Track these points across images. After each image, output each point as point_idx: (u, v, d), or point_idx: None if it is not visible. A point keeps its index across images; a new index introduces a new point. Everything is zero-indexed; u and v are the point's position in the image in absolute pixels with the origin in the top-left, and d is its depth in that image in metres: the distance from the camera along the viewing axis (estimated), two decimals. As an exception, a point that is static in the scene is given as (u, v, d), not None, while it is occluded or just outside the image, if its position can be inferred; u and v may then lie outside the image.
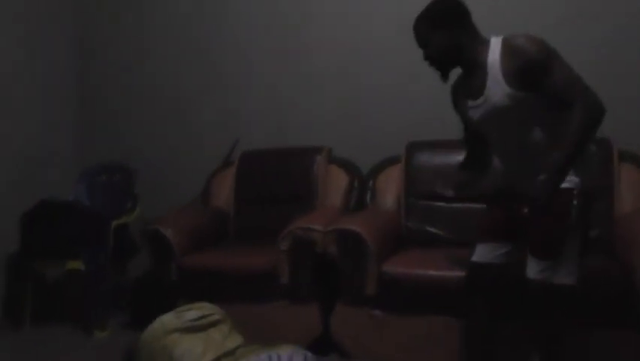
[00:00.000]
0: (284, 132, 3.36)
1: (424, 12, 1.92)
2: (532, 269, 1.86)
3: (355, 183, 3.09)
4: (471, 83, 1.92)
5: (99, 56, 3.84)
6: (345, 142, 3.22)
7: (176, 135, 3.66)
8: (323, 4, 3.31)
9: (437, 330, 2.33)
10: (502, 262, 1.98)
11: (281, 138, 3.33)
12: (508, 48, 1.79)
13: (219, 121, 3.56)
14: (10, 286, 3.14)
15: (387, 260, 2.49)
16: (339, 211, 2.93)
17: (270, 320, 2.56)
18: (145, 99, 3.73)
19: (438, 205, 2.86)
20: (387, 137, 3.13)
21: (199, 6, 3.56)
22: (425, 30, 1.90)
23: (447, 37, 1.87)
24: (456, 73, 2.00)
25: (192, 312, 2.02)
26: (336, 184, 3.10)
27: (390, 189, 2.97)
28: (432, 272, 2.38)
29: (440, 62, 1.92)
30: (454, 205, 2.83)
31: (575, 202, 1.80)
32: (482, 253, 2.02)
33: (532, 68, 1.74)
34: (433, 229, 2.82)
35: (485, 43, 1.85)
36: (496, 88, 1.82)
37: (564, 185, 1.79)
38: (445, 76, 1.94)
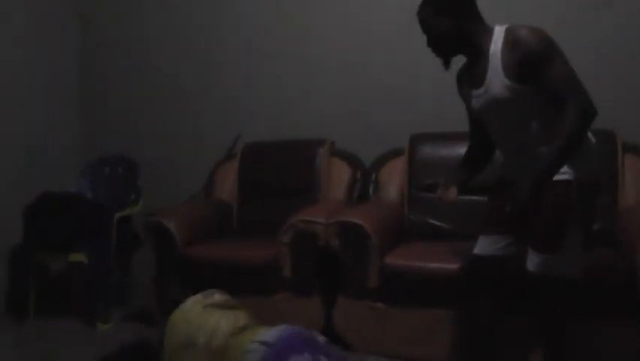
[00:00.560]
0: (286, 125, 3.35)
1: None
2: (532, 262, 1.85)
3: (358, 176, 3.08)
4: (473, 72, 1.91)
5: (102, 49, 3.84)
6: (347, 135, 3.21)
7: (179, 128, 3.66)
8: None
9: (439, 323, 2.34)
10: (504, 255, 1.97)
11: (283, 131, 3.32)
12: (510, 39, 1.77)
13: (222, 114, 3.55)
14: (13, 278, 3.14)
15: (390, 253, 2.49)
16: (342, 204, 2.92)
17: (272, 313, 2.56)
18: (148, 92, 3.73)
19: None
20: (390, 129, 3.12)
21: (200, 0, 3.55)
22: (428, 16, 1.89)
23: (450, 24, 1.85)
24: (459, 61, 1.98)
25: (217, 295, 2.05)
26: (338, 177, 3.09)
27: (392, 181, 2.96)
28: (434, 265, 2.37)
29: (443, 49, 1.90)
30: (457, 198, 2.81)
31: (570, 194, 1.78)
32: (484, 245, 2.01)
33: (532, 60, 1.73)
34: (435, 222, 2.81)
35: (489, 32, 1.84)
36: (496, 79, 1.81)
37: (560, 177, 1.78)
38: (447, 64, 1.93)
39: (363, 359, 2.39)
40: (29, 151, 3.48)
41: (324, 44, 3.29)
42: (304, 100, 3.36)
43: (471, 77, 1.93)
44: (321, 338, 1.84)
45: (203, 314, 1.93)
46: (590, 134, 1.88)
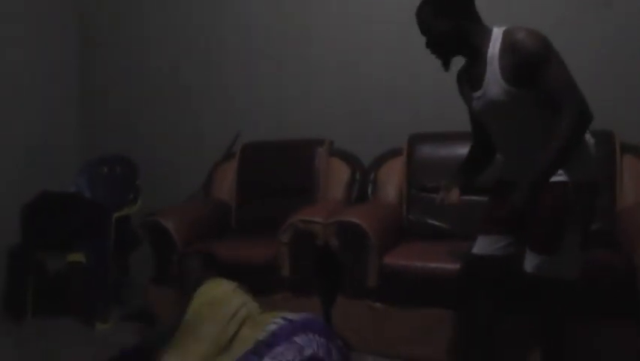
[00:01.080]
0: (285, 125, 3.35)
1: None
2: (530, 263, 1.86)
3: (357, 176, 3.08)
4: (472, 73, 1.90)
5: (101, 49, 3.83)
6: (346, 134, 3.21)
7: (178, 127, 3.66)
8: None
9: (438, 322, 2.33)
10: (503, 255, 1.97)
11: (282, 131, 3.32)
12: (507, 42, 1.77)
13: (221, 113, 3.55)
14: (11, 278, 3.14)
15: (389, 253, 2.48)
16: (341, 204, 2.92)
17: (271, 312, 2.56)
18: (147, 91, 3.72)
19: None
20: (388, 129, 3.12)
21: (199, 1, 3.55)
22: (427, 16, 1.88)
23: (449, 25, 1.84)
24: (459, 62, 1.98)
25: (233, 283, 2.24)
26: (337, 177, 3.09)
27: (391, 181, 2.96)
28: (433, 265, 2.37)
29: (442, 50, 1.90)
30: (460, 200, 2.81)
31: (568, 196, 1.78)
32: (483, 245, 2.01)
33: (529, 63, 1.72)
34: (434, 222, 2.81)
35: (487, 34, 1.83)
36: (494, 82, 1.80)
37: (557, 178, 1.78)
38: (446, 65, 1.92)
39: (362, 359, 2.39)
40: (28, 150, 3.47)
41: (324, 44, 3.29)
42: (303, 100, 3.35)
43: (470, 78, 1.93)
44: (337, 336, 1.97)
45: (234, 292, 2.19)
46: (588, 135, 1.88)
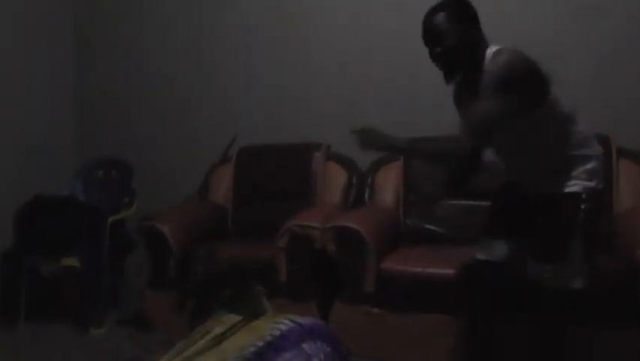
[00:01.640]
0: (282, 129, 3.34)
1: (441, 5, 1.85)
2: (535, 271, 1.85)
3: (354, 180, 3.07)
4: (469, 87, 1.88)
5: (98, 53, 3.82)
6: (343, 139, 3.16)
7: (174, 131, 3.64)
8: (323, 0, 3.29)
9: (436, 328, 2.33)
10: (504, 260, 1.97)
11: (279, 135, 3.31)
12: (495, 61, 1.76)
13: (217, 117, 3.54)
14: (4, 282, 3.10)
15: (386, 258, 2.48)
16: (338, 208, 2.91)
17: (267, 317, 2.55)
18: (143, 94, 3.71)
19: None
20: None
21: (198, 3, 3.54)
22: (443, 22, 1.81)
23: (464, 34, 1.80)
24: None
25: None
26: (334, 181, 3.09)
27: (389, 186, 2.96)
28: (431, 270, 2.37)
29: (451, 61, 1.84)
30: (453, 203, 2.81)
31: (578, 206, 1.79)
32: (485, 249, 2.01)
33: (496, 84, 1.72)
34: (431, 227, 2.81)
35: (487, 48, 1.82)
36: (487, 97, 1.80)
37: (572, 189, 1.79)
38: (449, 76, 1.87)
39: (359, 365, 2.38)
40: (23, 153, 3.45)
41: (321, 48, 3.29)
42: (300, 103, 3.35)
43: (467, 90, 1.90)
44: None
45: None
46: (598, 146, 1.89)
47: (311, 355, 1.78)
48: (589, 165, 1.83)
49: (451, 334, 2.28)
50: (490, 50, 1.81)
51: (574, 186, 1.80)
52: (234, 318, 1.98)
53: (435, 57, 1.84)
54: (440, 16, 1.83)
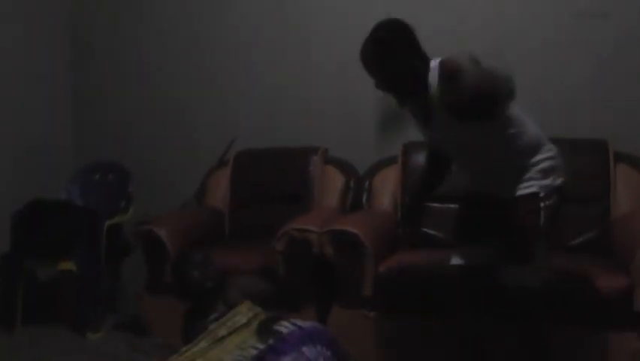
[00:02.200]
0: (280, 132, 3.34)
1: (372, 40, 1.84)
2: (505, 273, 1.88)
3: (351, 184, 3.07)
4: (422, 106, 1.89)
5: (96, 56, 3.80)
6: (341, 142, 3.20)
7: (172, 135, 3.63)
8: (322, 4, 3.29)
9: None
10: (478, 265, 1.99)
11: (277, 138, 3.30)
12: (442, 72, 1.76)
13: (215, 120, 3.53)
14: (1, 285, 3.09)
15: (384, 261, 2.47)
16: (336, 212, 2.91)
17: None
18: (140, 97, 3.70)
19: (434, 206, 2.83)
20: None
21: (196, 6, 3.54)
22: (376, 58, 1.82)
23: (399, 65, 1.80)
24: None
25: None
26: (332, 185, 3.08)
27: (386, 189, 2.96)
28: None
29: (392, 90, 1.86)
30: (450, 206, 2.81)
31: (542, 205, 1.83)
32: (462, 255, 2.05)
33: (448, 80, 1.71)
34: (429, 230, 2.80)
35: (429, 66, 1.81)
36: (439, 116, 1.82)
37: (531, 190, 1.83)
38: (401, 102, 1.89)
39: (357, 369, 2.37)
40: (21, 156, 3.44)
41: (320, 51, 3.29)
42: (298, 108, 3.34)
43: (421, 110, 1.92)
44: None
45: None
46: (548, 142, 1.92)
47: (311, 358, 1.78)
48: (543, 165, 1.86)
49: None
50: (434, 64, 1.81)
51: (530, 187, 1.83)
52: (238, 322, 1.98)
53: (377, 87, 1.86)
54: (373, 52, 1.83)
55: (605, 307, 2.14)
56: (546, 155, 1.88)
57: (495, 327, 2.11)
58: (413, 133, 2.96)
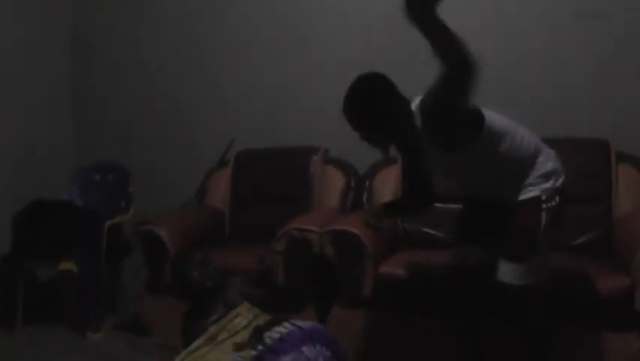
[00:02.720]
0: (280, 132, 3.34)
1: (352, 99, 1.86)
2: (503, 272, 1.88)
3: (352, 184, 3.07)
4: (410, 147, 1.94)
5: (96, 56, 3.81)
6: (341, 142, 3.18)
7: (172, 135, 3.64)
8: (321, 4, 3.29)
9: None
10: (478, 264, 1.99)
11: (277, 138, 3.30)
12: (422, 112, 1.77)
13: (215, 121, 3.53)
14: (2, 286, 3.09)
15: (384, 262, 2.47)
16: (336, 212, 2.91)
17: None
18: (140, 100, 3.70)
19: (435, 206, 2.84)
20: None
21: (196, 6, 3.54)
22: (359, 118, 1.84)
23: (383, 120, 1.81)
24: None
25: None
26: (332, 185, 3.08)
27: (386, 189, 2.94)
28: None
29: (379, 141, 1.88)
30: (451, 206, 2.80)
31: (544, 207, 1.84)
32: (459, 255, 2.06)
33: (429, 113, 1.73)
34: (429, 230, 2.80)
35: (410, 108, 1.83)
36: (429, 151, 1.85)
37: (532, 194, 1.85)
38: (382, 150, 1.91)
39: (357, 369, 2.37)
40: (21, 157, 3.44)
41: (319, 53, 3.29)
42: (298, 108, 3.34)
43: (411, 151, 1.96)
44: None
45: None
46: (547, 148, 1.92)
47: (310, 358, 1.77)
48: (543, 170, 1.88)
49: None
50: (415, 105, 1.82)
51: (532, 191, 1.85)
52: (239, 324, 1.98)
53: (363, 140, 1.88)
54: (354, 111, 1.85)
55: (605, 307, 2.13)
56: (544, 159, 1.89)
57: (495, 326, 2.11)
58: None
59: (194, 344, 1.93)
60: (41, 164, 3.57)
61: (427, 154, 1.89)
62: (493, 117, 1.83)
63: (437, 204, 2.80)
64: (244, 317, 2.00)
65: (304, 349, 1.82)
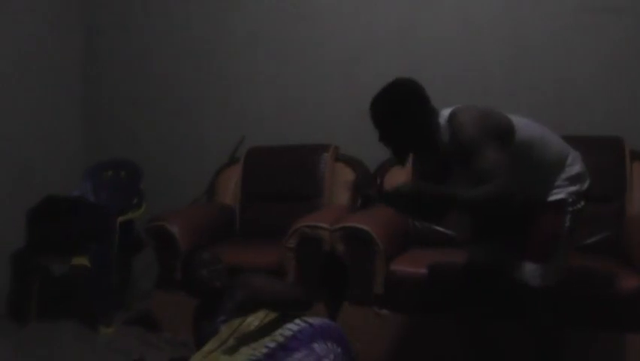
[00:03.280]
0: (291, 130, 3.34)
1: (382, 97, 1.86)
2: (521, 271, 1.87)
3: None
4: (434, 160, 1.93)
5: (106, 53, 3.83)
6: (352, 140, 3.19)
7: (183, 131, 3.65)
8: (331, 0, 3.29)
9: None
10: (492, 262, 1.99)
11: (287, 136, 3.30)
12: (452, 127, 1.77)
13: (225, 118, 3.54)
14: (15, 281, 3.13)
15: (395, 259, 2.47)
16: (347, 209, 2.90)
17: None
18: (151, 96, 3.72)
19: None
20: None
21: (207, 4, 3.54)
22: (384, 116, 1.83)
23: (409, 127, 1.81)
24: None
25: None
26: (343, 182, 3.07)
27: (397, 187, 2.94)
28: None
29: (396, 147, 1.88)
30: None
31: (570, 210, 1.84)
32: (474, 252, 2.05)
33: (466, 148, 1.72)
34: (440, 228, 2.79)
35: (438, 120, 1.82)
36: (453, 167, 1.85)
37: (559, 196, 1.85)
38: (400, 159, 1.91)
39: (367, 366, 2.37)
40: (33, 154, 3.47)
41: (329, 50, 3.28)
42: (309, 105, 3.34)
43: (428, 165, 1.96)
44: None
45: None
46: (572, 149, 1.92)
47: (321, 355, 1.77)
48: (570, 173, 1.88)
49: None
50: (443, 117, 1.81)
51: (559, 194, 1.86)
52: (251, 324, 1.98)
53: (380, 141, 1.87)
54: (381, 110, 1.84)
55: (618, 306, 2.12)
56: (572, 162, 1.89)
57: (507, 325, 2.10)
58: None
59: (205, 349, 1.92)
60: (54, 161, 3.60)
61: (449, 162, 1.88)
62: (521, 125, 1.83)
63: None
64: (256, 317, 2.00)
65: (315, 346, 1.82)
